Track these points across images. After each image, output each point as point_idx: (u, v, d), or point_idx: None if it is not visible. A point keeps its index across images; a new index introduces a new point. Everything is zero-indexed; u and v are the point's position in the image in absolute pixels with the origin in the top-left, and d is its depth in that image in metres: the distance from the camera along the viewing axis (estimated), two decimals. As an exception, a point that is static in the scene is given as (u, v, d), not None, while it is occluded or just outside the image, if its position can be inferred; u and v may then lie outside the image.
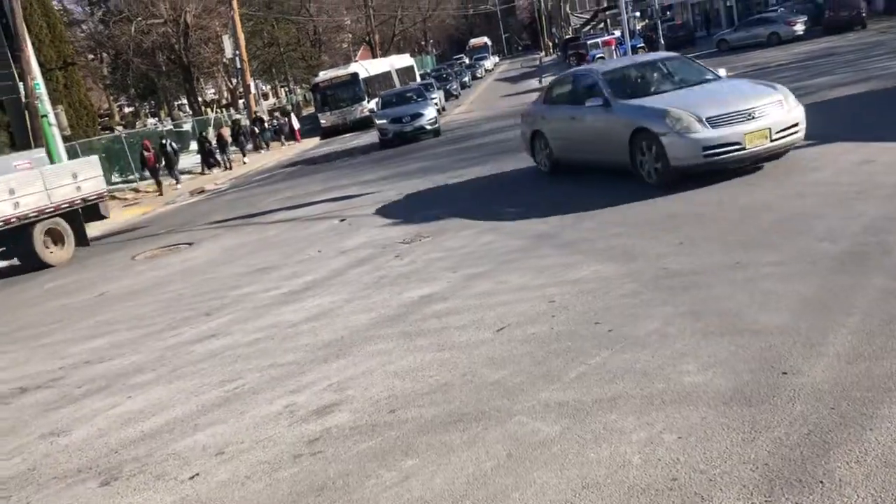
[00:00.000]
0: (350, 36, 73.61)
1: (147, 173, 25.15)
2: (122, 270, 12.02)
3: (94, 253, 14.69)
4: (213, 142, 29.69)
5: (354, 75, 36.57)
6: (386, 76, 42.06)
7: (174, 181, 25.14)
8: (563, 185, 11.17)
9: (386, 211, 12.00)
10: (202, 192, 23.78)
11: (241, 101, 44.97)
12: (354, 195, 14.47)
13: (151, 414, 5.42)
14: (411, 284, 7.39)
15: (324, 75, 38.79)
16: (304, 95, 60.11)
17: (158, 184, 24.18)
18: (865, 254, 5.67)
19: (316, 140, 35.96)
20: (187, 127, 37.16)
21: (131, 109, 65.44)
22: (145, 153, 23.81)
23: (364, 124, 34.05)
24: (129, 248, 14.24)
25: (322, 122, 36.46)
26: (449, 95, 43.71)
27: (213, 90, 66.37)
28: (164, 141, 25.48)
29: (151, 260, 12.45)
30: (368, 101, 34.93)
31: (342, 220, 12.01)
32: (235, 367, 6.06)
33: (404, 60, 49.95)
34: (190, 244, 13.08)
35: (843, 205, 7.03)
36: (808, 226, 6.61)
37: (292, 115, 40.39)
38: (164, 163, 24.78)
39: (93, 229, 18.47)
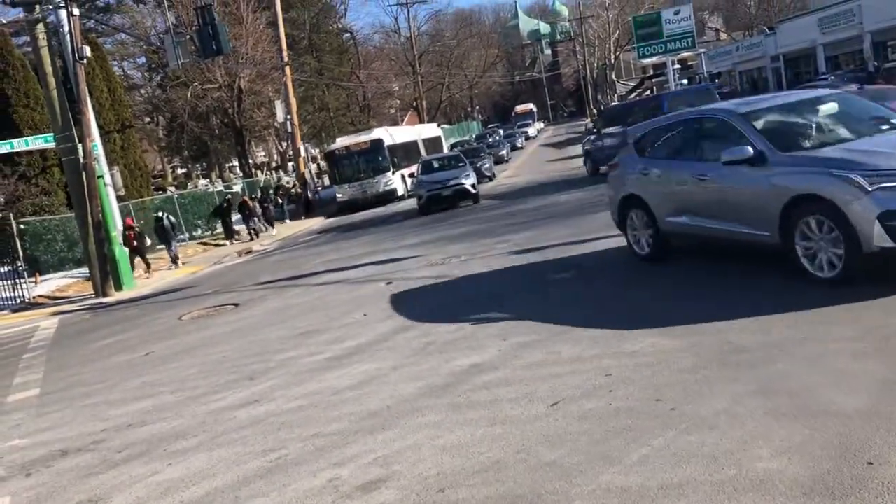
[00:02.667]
0: (398, 102, 75.21)
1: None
2: (168, 330, 12.02)
3: (144, 312, 14.79)
4: (254, 205, 28.78)
5: (378, 142, 32.50)
6: (411, 146, 38.31)
7: (170, 260, 22.93)
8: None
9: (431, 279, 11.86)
10: (249, 252, 24.06)
11: (290, 164, 45.91)
12: (400, 258, 14.39)
13: (192, 483, 5.24)
14: (459, 352, 7.16)
15: (341, 141, 34.69)
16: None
17: (147, 263, 21.77)
18: (947, 332, 5.31)
19: (319, 219, 31.91)
20: (237, 188, 37.78)
21: (184, 171, 67.27)
22: (126, 233, 20.93)
23: (386, 199, 31.58)
24: (177, 307, 14.31)
25: (338, 195, 32.82)
26: (498, 161, 41.59)
27: (263, 153, 68.03)
28: (160, 214, 23.67)
29: (197, 320, 12.45)
30: (393, 173, 32.01)
31: (388, 284, 11.90)
32: (278, 436, 5.87)
33: (432, 130, 47.23)
34: (236, 305, 13.08)
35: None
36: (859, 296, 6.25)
37: (309, 182, 37.38)
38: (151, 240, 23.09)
39: (143, 288, 18.78)
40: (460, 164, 25.31)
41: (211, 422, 6.58)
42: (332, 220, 31.08)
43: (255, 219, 28.06)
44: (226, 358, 9.03)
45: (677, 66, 43.53)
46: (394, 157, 32.72)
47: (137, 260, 21.16)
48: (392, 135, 35.00)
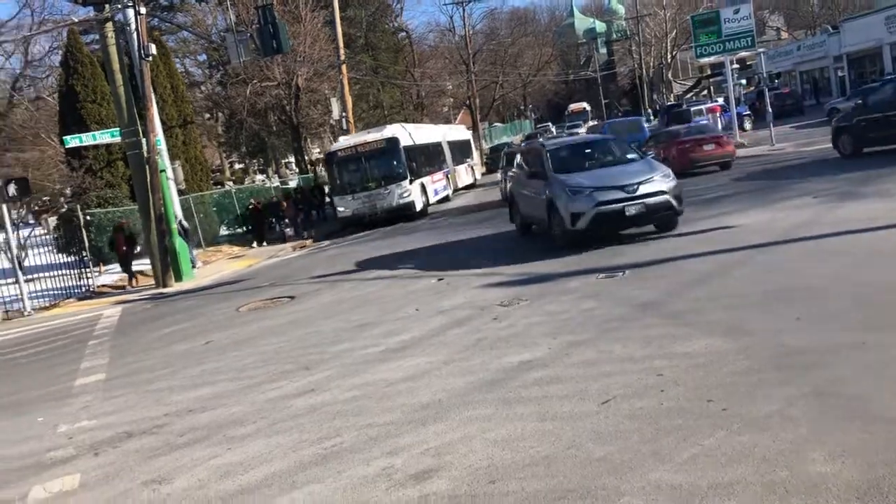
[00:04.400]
0: (451, 100, 75.40)
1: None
2: (227, 321, 12.36)
3: (203, 303, 15.21)
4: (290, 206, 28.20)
5: (392, 142, 25.85)
6: (434, 150, 32.42)
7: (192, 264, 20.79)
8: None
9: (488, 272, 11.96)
10: (304, 246, 24.52)
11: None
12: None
13: (250, 467, 5.44)
14: (510, 349, 7.25)
15: (345, 141, 28.02)
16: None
17: (130, 275, 20.47)
18: None
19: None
20: (293, 183, 38.24)
21: (241, 166, 68.56)
22: (116, 235, 20.25)
23: (401, 214, 25.45)
24: (235, 299, 14.67)
25: (339, 209, 26.12)
26: None
27: (318, 149, 68.99)
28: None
29: (255, 312, 12.77)
30: (412, 181, 25.67)
31: (440, 280, 12.03)
32: (333, 424, 6.04)
33: (460, 132, 41.11)
34: (292, 298, 13.37)
35: None
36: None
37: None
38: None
39: (202, 279, 19.28)
40: (632, 157, 13.67)
41: (268, 409, 6.79)
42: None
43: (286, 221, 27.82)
44: (282, 348, 9.27)
45: (736, 65, 42.66)
46: (412, 162, 26.67)
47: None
48: (410, 134, 28.77)
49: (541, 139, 20.03)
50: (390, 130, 27.26)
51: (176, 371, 9.17)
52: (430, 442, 5.28)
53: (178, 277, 19.03)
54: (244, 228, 29.56)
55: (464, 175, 37.42)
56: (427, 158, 30.37)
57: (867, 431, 4.25)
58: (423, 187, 27.43)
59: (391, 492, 4.60)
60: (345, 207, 26.02)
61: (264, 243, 26.58)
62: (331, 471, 5.10)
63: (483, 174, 44.08)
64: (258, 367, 8.53)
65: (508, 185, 17.93)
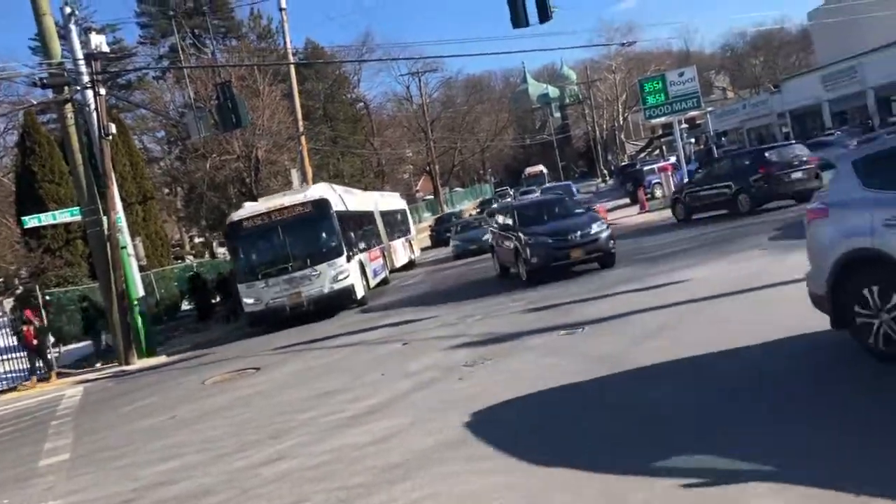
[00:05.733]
0: (412, 167, 76.57)
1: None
2: (192, 394, 12.31)
3: (168, 378, 15.10)
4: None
5: (321, 206, 19.58)
6: (368, 220, 26.20)
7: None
8: None
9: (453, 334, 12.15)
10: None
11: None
12: (415, 319, 14.72)
13: (222, 536, 5.48)
14: (475, 407, 7.42)
15: (252, 207, 20.97)
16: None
17: (33, 370, 18.35)
18: None
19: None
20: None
21: (202, 240, 68.33)
22: (24, 327, 17.99)
23: (335, 305, 19.32)
24: (200, 372, 14.61)
25: (246, 301, 19.16)
26: None
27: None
28: (84, 304, 21.55)
29: (220, 384, 12.74)
30: (349, 259, 19.41)
31: (405, 344, 12.19)
32: (304, 490, 6.12)
33: (394, 201, 36.01)
34: (257, 369, 13.38)
35: None
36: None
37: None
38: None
39: (164, 356, 19.12)
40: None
41: (238, 478, 6.83)
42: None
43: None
44: (249, 419, 9.30)
45: (685, 125, 44.28)
46: (347, 233, 20.71)
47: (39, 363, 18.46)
48: (342, 197, 22.73)
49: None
50: (317, 191, 20.86)
51: (142, 446, 9.13)
52: (399, 500, 5.41)
53: (141, 354, 18.85)
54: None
55: (401, 252, 30.99)
56: (362, 230, 24.06)
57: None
58: (363, 266, 21.15)
59: (362, 550, 4.70)
60: (254, 298, 18.91)
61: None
62: (302, 534, 5.18)
63: (427, 248, 41.15)
64: (225, 438, 8.54)
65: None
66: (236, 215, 20.39)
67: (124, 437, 9.95)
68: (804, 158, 20.56)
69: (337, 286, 18.98)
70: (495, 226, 19.80)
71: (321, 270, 18.94)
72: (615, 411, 6.37)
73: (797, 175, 20.02)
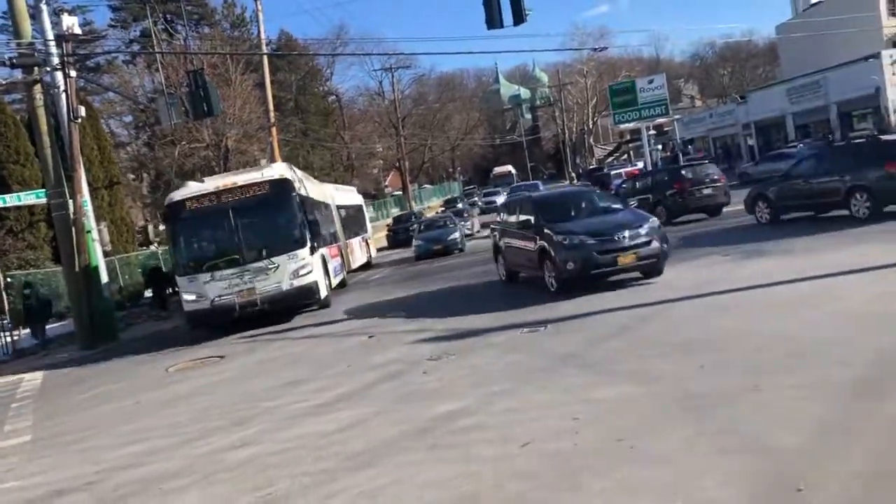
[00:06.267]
0: (381, 162, 76.48)
1: None
2: (156, 381, 12.30)
3: (131, 363, 15.03)
4: None
5: (281, 186, 16.57)
6: (326, 212, 22.95)
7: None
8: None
9: (414, 327, 12.32)
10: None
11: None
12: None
13: (187, 517, 5.60)
14: (439, 399, 7.61)
15: (197, 186, 17.22)
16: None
17: None
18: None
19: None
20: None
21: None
22: None
23: (295, 305, 16.68)
24: (163, 359, 14.56)
25: (187, 298, 16.24)
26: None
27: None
28: (27, 290, 20.84)
29: (184, 371, 12.76)
30: (312, 251, 16.45)
31: (370, 337, 12.33)
32: (267, 475, 6.25)
33: (351, 196, 32.65)
34: (222, 357, 13.41)
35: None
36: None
37: None
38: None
39: (128, 341, 19.02)
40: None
41: (202, 463, 6.94)
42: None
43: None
44: (213, 405, 9.38)
45: (653, 131, 44.93)
46: (309, 222, 17.07)
47: None
48: (303, 182, 19.08)
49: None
50: (277, 170, 17.51)
51: (105, 430, 9.16)
52: (363, 486, 5.58)
53: (103, 339, 18.71)
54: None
55: (357, 251, 28.38)
56: (321, 223, 20.33)
57: (756, 461, 4.77)
58: (325, 262, 18.03)
59: (326, 532, 4.86)
60: (196, 294, 15.94)
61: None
62: (267, 517, 5.32)
63: (383, 248, 38.69)
64: (189, 424, 8.62)
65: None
66: (178, 195, 16.81)
67: (87, 421, 9.95)
68: (715, 177, 22.54)
69: (297, 283, 16.03)
70: (501, 223, 16.76)
71: (279, 263, 15.93)
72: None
73: (707, 191, 22.23)
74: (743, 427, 5.41)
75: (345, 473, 5.92)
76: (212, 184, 16.93)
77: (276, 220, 16.53)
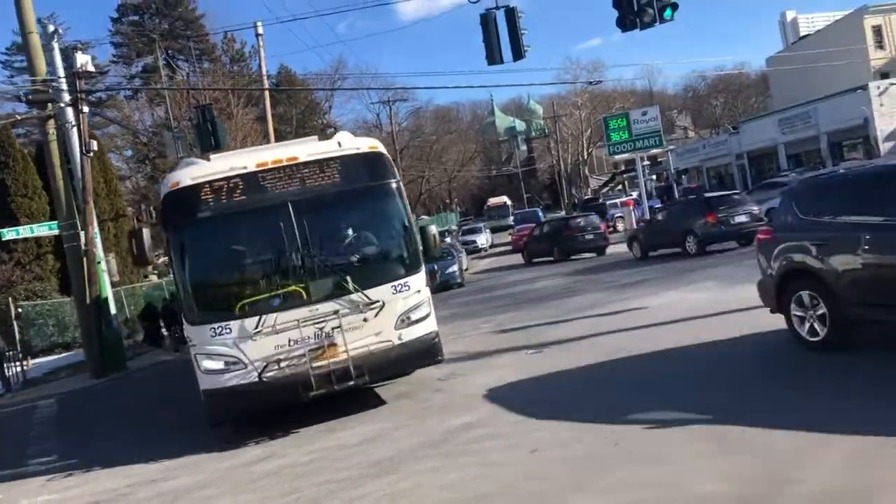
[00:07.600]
0: (379, 194, 76.82)
1: None
2: (170, 402, 12.72)
3: (142, 391, 15.43)
4: None
5: (376, 163, 9.28)
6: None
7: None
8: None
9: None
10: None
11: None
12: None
13: (223, 520, 6.06)
14: (452, 414, 8.08)
15: (212, 166, 8.98)
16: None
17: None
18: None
19: None
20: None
21: (166, 259, 68.05)
22: None
23: (402, 372, 9.78)
24: (175, 381, 14.97)
25: (206, 368, 8.43)
26: None
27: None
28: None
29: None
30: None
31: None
32: (294, 484, 6.71)
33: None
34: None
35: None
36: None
37: None
38: None
39: (134, 371, 19.41)
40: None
41: (231, 475, 7.40)
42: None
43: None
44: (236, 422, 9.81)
45: (647, 162, 45.71)
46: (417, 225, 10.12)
47: None
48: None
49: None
50: (365, 141, 9.86)
51: (129, 450, 9.58)
52: (385, 490, 6.06)
53: (113, 368, 19.09)
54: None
55: None
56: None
57: (748, 460, 5.28)
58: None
59: (355, 528, 5.33)
60: (225, 360, 8.46)
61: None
62: (298, 518, 5.79)
63: None
64: (215, 442, 9.05)
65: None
66: (185, 175, 8.92)
67: (109, 441, 10.38)
68: (596, 224, 27.99)
69: (410, 333, 8.94)
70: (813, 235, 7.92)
71: (382, 299, 8.82)
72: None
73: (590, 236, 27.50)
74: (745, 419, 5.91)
75: (367, 480, 6.39)
76: (239, 159, 9.14)
77: (371, 222, 9.67)
